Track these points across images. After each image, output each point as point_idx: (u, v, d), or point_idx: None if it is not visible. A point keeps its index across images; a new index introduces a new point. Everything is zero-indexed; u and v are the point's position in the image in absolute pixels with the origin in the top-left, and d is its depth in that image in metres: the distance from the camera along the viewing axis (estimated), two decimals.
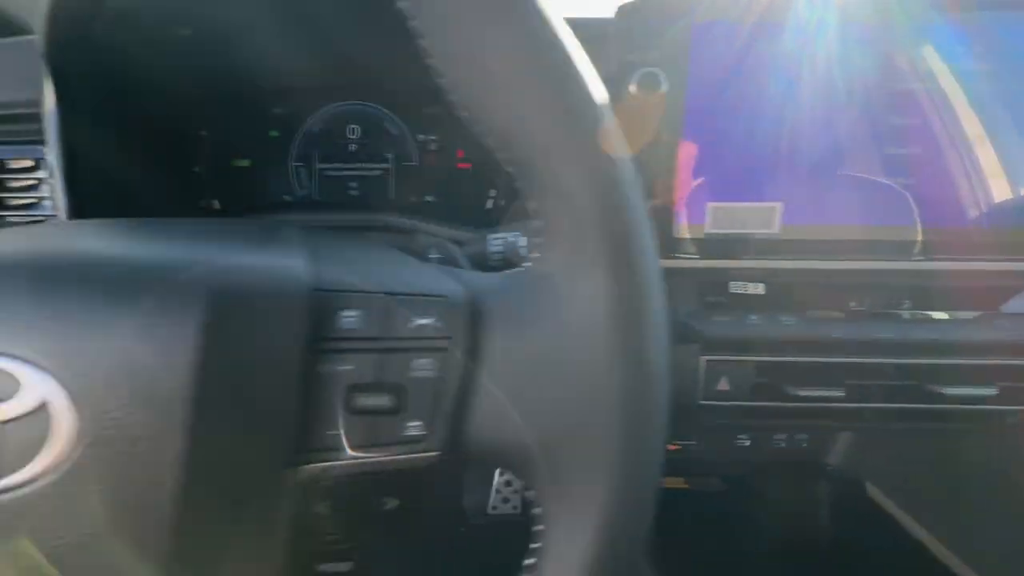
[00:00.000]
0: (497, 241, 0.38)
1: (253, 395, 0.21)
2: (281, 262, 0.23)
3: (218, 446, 0.21)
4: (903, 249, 0.47)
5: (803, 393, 0.49)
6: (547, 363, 0.23)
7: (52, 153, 0.49)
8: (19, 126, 0.51)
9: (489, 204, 0.66)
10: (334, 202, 0.66)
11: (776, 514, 0.81)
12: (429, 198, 0.67)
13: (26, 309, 0.20)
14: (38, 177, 0.51)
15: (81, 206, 0.51)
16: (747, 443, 0.74)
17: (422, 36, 0.21)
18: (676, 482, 0.88)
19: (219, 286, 0.21)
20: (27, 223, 0.53)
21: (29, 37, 0.51)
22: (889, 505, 0.72)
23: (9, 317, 0.20)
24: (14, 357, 0.19)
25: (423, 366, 0.23)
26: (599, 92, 0.22)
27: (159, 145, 0.60)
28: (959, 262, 0.47)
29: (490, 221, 0.62)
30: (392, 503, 0.67)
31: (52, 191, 0.51)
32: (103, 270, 0.21)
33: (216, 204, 0.66)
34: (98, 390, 0.19)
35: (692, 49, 0.42)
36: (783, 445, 0.78)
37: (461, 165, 0.66)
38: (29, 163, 0.51)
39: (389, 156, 0.66)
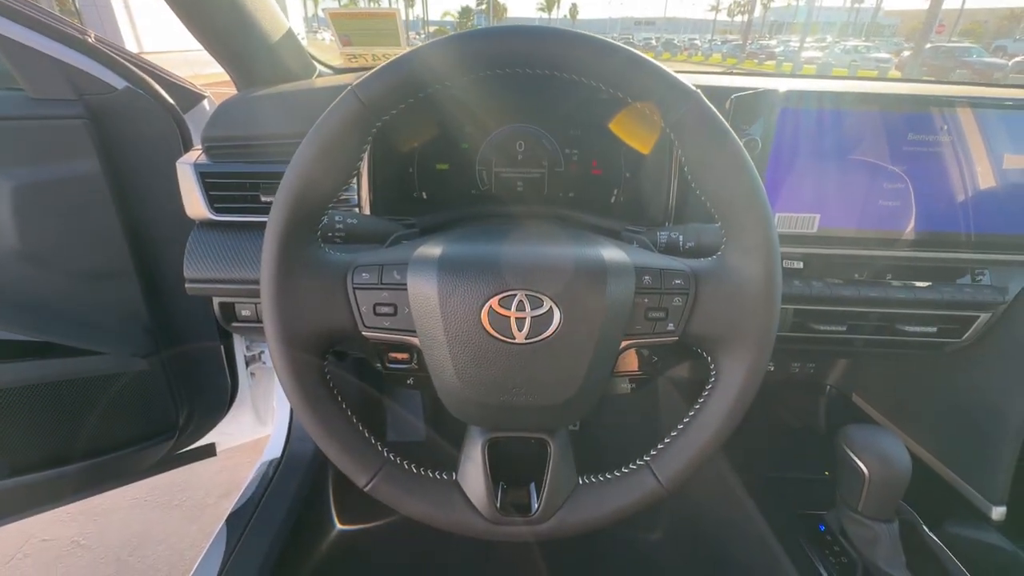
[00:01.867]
0: (663, 235, 0.68)
1: (615, 310, 0.52)
2: (618, 253, 0.54)
3: (601, 330, 0.52)
4: (893, 245, 0.78)
5: (821, 328, 0.81)
6: (733, 299, 0.54)
7: (363, 171, 0.79)
8: None
9: (612, 199, 0.95)
10: (505, 195, 0.95)
11: (785, 412, 1.15)
12: (571, 194, 0.96)
13: (546, 275, 0.50)
14: (352, 185, 0.80)
15: (374, 201, 0.80)
16: (771, 368, 1.06)
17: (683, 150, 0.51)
18: None
19: (609, 267, 0.52)
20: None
21: None
22: (868, 408, 1.06)
23: (540, 276, 0.50)
24: (541, 292, 0.50)
25: (676, 301, 0.54)
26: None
27: (401, 159, 0.89)
28: (927, 252, 0.78)
29: (615, 213, 0.92)
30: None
31: (358, 191, 0.80)
32: (587, 261, 0.51)
33: (424, 195, 0.95)
34: (569, 307, 0.50)
35: (777, 125, 0.72)
36: (796, 370, 1.11)
37: (595, 172, 0.93)
38: None
39: (545, 163, 0.92)
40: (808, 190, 0.75)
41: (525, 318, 0.47)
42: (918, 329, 0.79)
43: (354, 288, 0.49)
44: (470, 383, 0.49)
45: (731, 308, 0.48)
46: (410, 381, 0.58)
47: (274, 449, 1.28)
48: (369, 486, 0.51)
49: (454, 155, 0.93)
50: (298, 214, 0.46)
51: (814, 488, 0.93)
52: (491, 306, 0.47)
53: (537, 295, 0.47)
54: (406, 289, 0.49)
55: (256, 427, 1.52)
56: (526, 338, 0.47)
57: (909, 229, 0.76)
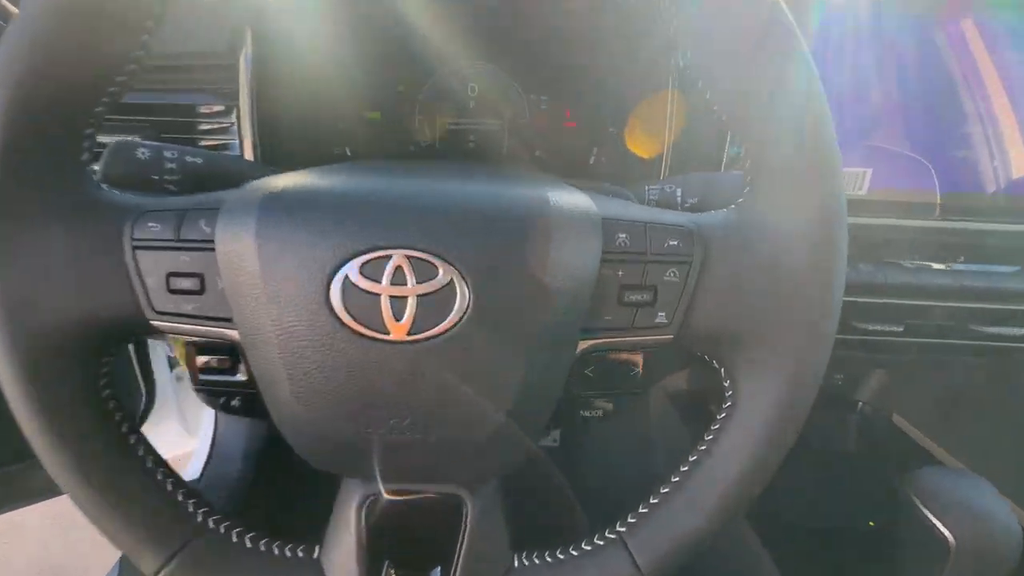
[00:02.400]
0: (654, 190, 0.47)
1: (566, 286, 0.31)
2: (577, 197, 0.33)
3: (543, 319, 0.31)
4: (971, 214, 0.57)
5: (870, 328, 0.59)
6: (764, 274, 0.33)
7: (243, 102, 0.57)
8: (213, 75, 0.58)
9: (591, 160, 0.74)
10: (453, 153, 0.75)
11: (814, 440, 0.94)
12: (538, 153, 0.75)
13: (446, 226, 0.29)
14: (228, 122, 0.59)
15: (263, 148, 0.59)
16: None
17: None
18: None
19: (556, 215, 0.31)
20: None
21: None
22: (917, 435, 0.85)
23: (435, 228, 0.29)
24: (435, 254, 0.29)
25: (670, 275, 0.33)
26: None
27: (308, 97, 0.68)
28: (1012, 224, 0.57)
29: (595, 178, 0.71)
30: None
31: (240, 135, 0.59)
32: (518, 204, 0.31)
33: (348, 151, 0.74)
34: (485, 278, 0.29)
35: (816, 38, 0.51)
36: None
37: (568, 124, 0.74)
38: (219, 108, 0.59)
39: (504, 113, 0.74)
40: (855, 135, 0.54)
41: (406, 297, 0.29)
42: (1003, 331, 0.58)
43: (135, 247, 0.30)
44: (317, 408, 0.30)
45: (759, 289, 0.32)
46: (234, 402, 0.36)
47: (194, 469, 1.07)
48: (163, 573, 0.31)
49: (387, 101, 0.73)
50: (37, 116, 0.28)
51: (854, 543, 0.71)
52: (347, 276, 0.29)
53: (427, 258, 0.29)
54: (214, 249, 0.30)
55: (185, 439, 1.32)
56: (410, 333, 0.29)
57: (996, 191, 0.55)
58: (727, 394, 0.35)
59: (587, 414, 0.37)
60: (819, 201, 0.31)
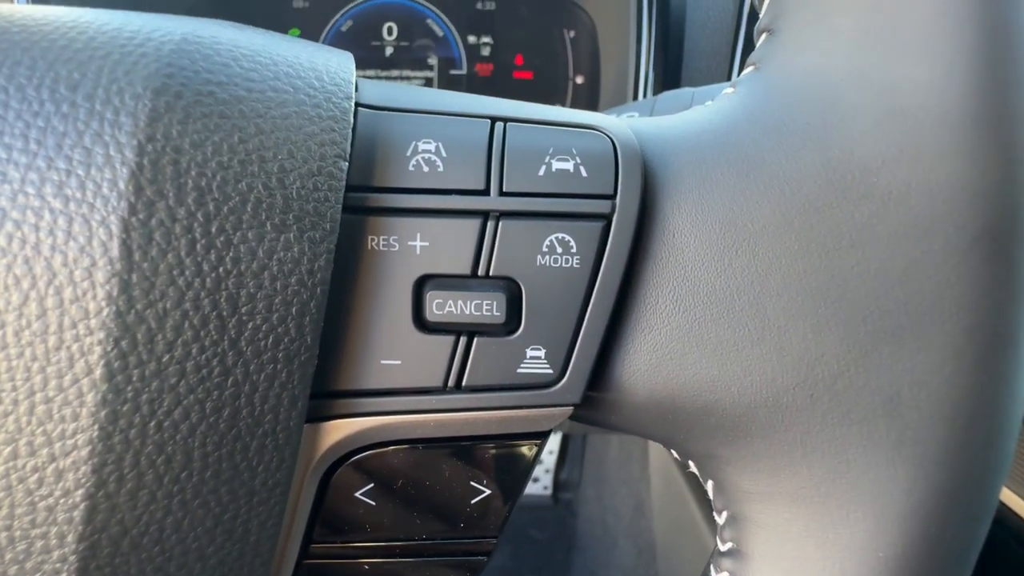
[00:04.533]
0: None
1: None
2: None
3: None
4: None
5: None
6: (810, 252, 0.12)
7: None
8: None
9: None
10: None
11: None
12: None
13: None
14: None
15: None
16: None
17: None
18: None
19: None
20: None
21: None
22: None
23: None
24: None
25: (555, 248, 0.13)
26: None
27: None
28: None
29: None
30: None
31: None
32: None
33: None
34: None
35: None
36: None
37: (519, 75, 0.56)
38: None
39: (432, 62, 0.56)
40: None
41: None
42: None
43: None
44: None
45: (803, 281, 0.12)
46: None
47: None
48: None
49: None
50: None
51: None
52: None
53: None
54: None
55: None
56: None
57: None
58: (723, 542, 0.15)
59: None
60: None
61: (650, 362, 0.13)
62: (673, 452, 0.16)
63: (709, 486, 0.15)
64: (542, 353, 0.13)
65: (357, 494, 0.14)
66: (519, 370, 0.13)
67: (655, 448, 0.72)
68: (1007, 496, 0.45)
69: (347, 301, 0.13)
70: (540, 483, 0.91)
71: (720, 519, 0.15)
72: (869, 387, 0.12)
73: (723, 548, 0.15)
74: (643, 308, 0.13)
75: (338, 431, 0.13)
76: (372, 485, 0.14)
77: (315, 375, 0.12)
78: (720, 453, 0.14)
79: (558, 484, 0.90)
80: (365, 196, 0.13)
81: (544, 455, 1.07)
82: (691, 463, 0.15)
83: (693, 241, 0.13)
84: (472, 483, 0.14)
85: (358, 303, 0.13)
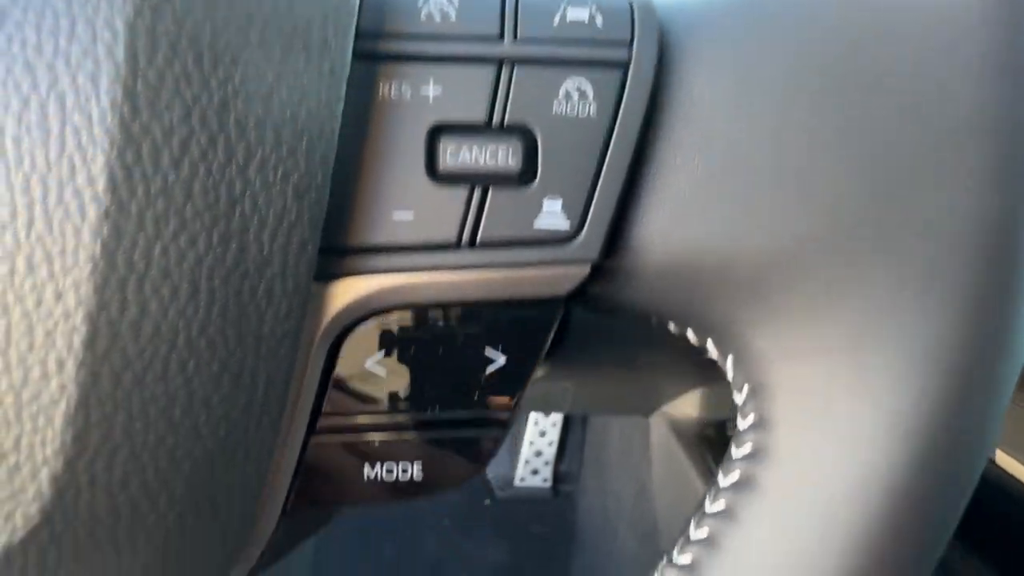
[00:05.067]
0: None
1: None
2: None
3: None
4: None
5: None
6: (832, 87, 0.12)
7: None
8: None
9: None
10: None
11: None
12: None
13: None
14: None
15: None
16: None
17: None
18: None
19: None
20: None
21: None
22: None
23: None
24: None
25: (572, 95, 0.13)
26: None
27: None
28: None
29: None
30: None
31: None
32: None
33: None
34: None
35: None
36: None
37: None
38: None
39: None
40: None
41: None
42: None
43: None
44: None
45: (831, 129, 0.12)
46: None
47: None
48: None
49: None
50: None
51: None
52: None
53: None
54: None
55: None
56: None
57: None
58: (744, 418, 0.14)
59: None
60: None
61: (668, 218, 0.13)
62: (690, 333, 0.15)
63: (728, 362, 0.15)
64: (559, 205, 0.13)
65: (367, 363, 0.13)
66: (535, 224, 0.13)
67: (657, 428, 0.71)
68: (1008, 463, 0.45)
69: (359, 151, 0.12)
70: (540, 475, 0.89)
71: (741, 397, 0.14)
72: (897, 222, 0.12)
73: (744, 425, 0.14)
74: (661, 161, 0.13)
75: (347, 292, 0.13)
76: (383, 353, 0.13)
77: (325, 229, 0.12)
78: (742, 316, 0.13)
79: (558, 476, 0.89)
80: (376, 42, 0.12)
81: (544, 447, 1.05)
82: (709, 341, 0.15)
83: (710, 88, 0.13)
84: (487, 352, 0.14)
85: (370, 153, 0.12)
